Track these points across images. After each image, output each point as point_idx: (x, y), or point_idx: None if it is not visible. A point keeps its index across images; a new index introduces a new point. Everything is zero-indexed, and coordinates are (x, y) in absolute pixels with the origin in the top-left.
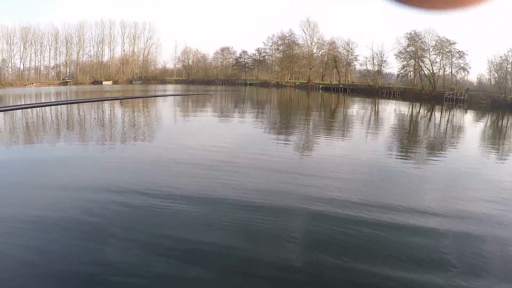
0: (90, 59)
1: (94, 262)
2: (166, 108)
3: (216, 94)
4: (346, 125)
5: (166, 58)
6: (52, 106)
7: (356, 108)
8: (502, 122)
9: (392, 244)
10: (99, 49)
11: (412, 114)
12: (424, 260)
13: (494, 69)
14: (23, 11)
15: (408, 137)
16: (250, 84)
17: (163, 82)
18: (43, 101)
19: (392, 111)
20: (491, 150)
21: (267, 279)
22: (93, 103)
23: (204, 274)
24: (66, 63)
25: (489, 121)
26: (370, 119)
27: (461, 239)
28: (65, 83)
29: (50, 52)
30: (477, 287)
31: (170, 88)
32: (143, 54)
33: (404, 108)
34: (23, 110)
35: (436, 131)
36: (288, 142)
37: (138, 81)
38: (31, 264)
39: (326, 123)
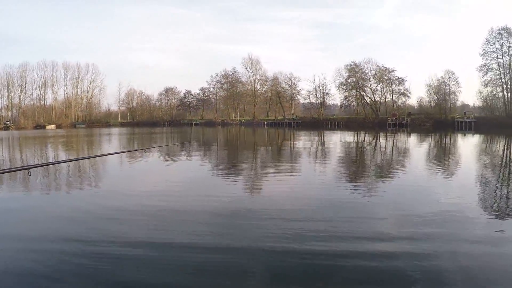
0: (32, 102)
1: None
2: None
3: (161, 135)
4: (293, 160)
5: (111, 100)
6: None
7: (302, 142)
8: (445, 141)
9: (352, 270)
10: (42, 92)
11: (357, 142)
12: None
13: (433, 91)
14: None
15: (355, 166)
16: (196, 124)
17: (108, 125)
18: None
19: (337, 141)
20: (437, 169)
21: None
22: None
23: None
24: (7, 106)
25: (432, 142)
26: (316, 152)
27: (418, 257)
28: (6, 128)
29: None
30: None
31: (115, 131)
32: (87, 97)
33: (349, 137)
34: None
35: (381, 156)
36: (236, 182)
37: (82, 125)
38: None
39: (273, 160)
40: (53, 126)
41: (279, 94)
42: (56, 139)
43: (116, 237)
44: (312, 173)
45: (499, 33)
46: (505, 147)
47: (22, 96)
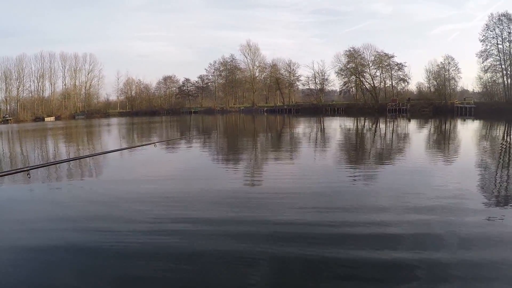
0: (30, 94)
1: None
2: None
3: (161, 125)
4: (293, 145)
5: (109, 90)
6: None
7: (302, 128)
8: (445, 127)
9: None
10: (40, 84)
11: (357, 128)
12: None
13: (433, 77)
14: None
15: (355, 151)
16: (195, 112)
17: (107, 115)
18: None
19: (337, 127)
20: (436, 154)
21: None
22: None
23: None
24: (6, 99)
25: (432, 127)
26: (316, 137)
27: (419, 240)
28: (5, 121)
29: None
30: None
31: (114, 121)
32: (85, 87)
33: (349, 123)
34: None
35: (382, 141)
36: (238, 167)
37: (81, 116)
38: None
39: (274, 146)
40: (52, 118)
41: (278, 80)
42: (55, 131)
43: (122, 220)
44: (312, 158)
45: (499, 19)
46: (505, 133)
47: (20, 88)
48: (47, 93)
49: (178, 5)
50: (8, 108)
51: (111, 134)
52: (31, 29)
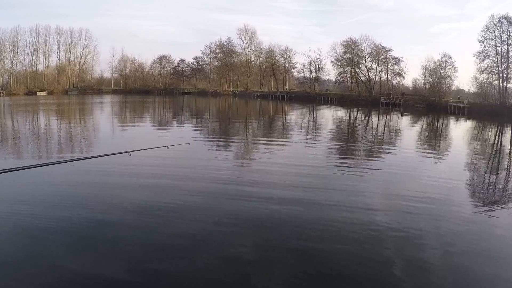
0: (24, 68)
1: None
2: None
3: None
4: (285, 133)
5: (103, 67)
6: None
7: (295, 115)
8: (437, 124)
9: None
10: (34, 57)
11: (349, 119)
12: (371, 259)
13: (429, 74)
14: None
15: (347, 142)
16: (188, 93)
17: (100, 92)
18: None
19: (330, 117)
20: (427, 151)
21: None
22: None
23: None
24: None
25: (424, 124)
26: (308, 126)
27: (402, 234)
28: None
29: None
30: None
31: (107, 99)
32: (79, 63)
33: (341, 113)
34: None
35: (373, 135)
36: (228, 152)
37: (74, 92)
38: None
39: (265, 132)
40: (45, 93)
41: (273, 66)
42: (48, 107)
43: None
44: (303, 148)
45: (499, 21)
46: (497, 135)
47: (14, 61)
48: (40, 67)
49: None
50: (1, 81)
51: (103, 113)
52: (27, 2)
